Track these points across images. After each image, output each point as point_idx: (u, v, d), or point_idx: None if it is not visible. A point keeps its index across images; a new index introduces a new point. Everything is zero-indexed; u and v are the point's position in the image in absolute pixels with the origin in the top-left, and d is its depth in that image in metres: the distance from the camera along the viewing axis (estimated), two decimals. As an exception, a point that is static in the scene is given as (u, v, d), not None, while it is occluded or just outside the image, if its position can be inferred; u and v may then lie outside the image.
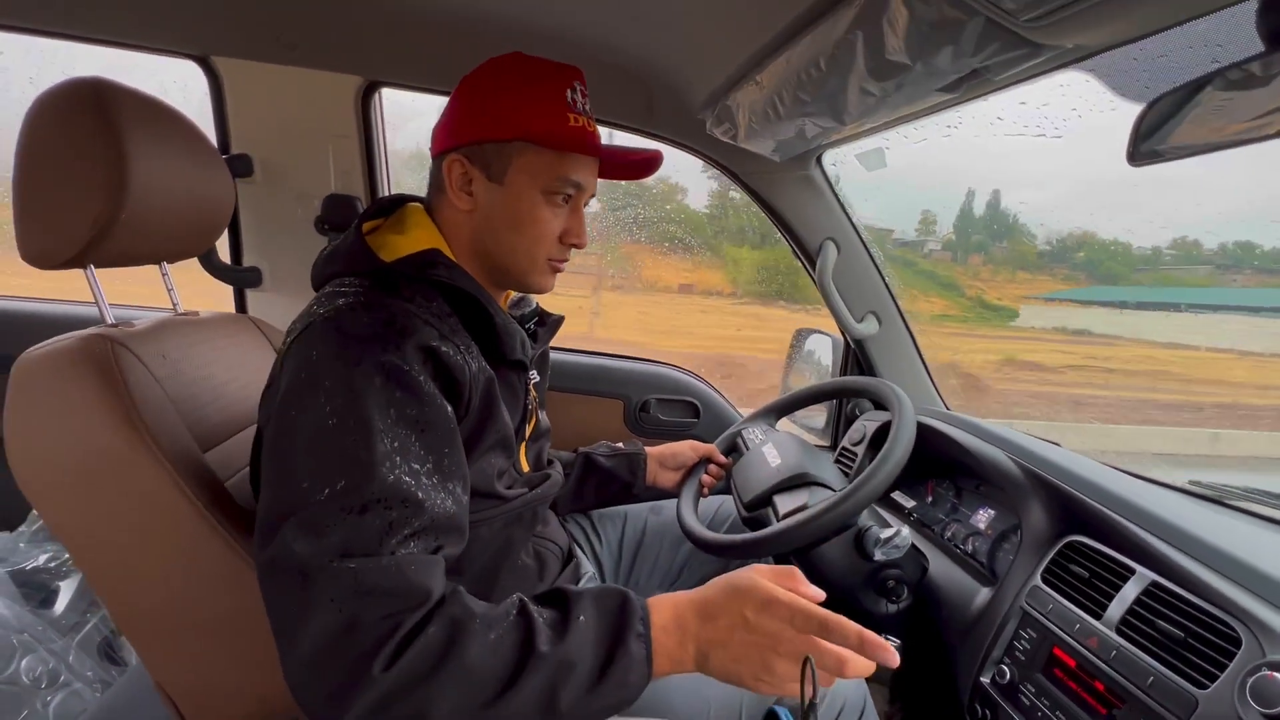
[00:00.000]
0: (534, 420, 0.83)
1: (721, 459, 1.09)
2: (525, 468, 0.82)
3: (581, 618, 0.54)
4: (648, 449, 1.10)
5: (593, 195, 0.76)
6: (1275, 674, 0.53)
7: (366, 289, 0.63)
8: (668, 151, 0.76)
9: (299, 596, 0.50)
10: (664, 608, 0.56)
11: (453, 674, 0.48)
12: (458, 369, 0.61)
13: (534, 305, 0.86)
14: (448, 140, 0.71)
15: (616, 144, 0.77)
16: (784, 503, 0.86)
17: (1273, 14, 0.50)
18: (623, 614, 0.55)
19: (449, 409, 0.60)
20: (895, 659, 0.53)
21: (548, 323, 0.87)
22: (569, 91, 0.70)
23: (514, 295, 0.86)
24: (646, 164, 0.79)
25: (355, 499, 0.52)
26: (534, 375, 0.87)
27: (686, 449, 1.10)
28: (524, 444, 0.82)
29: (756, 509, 0.91)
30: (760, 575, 0.57)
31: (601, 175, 0.77)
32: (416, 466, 0.55)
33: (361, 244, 0.68)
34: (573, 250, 0.76)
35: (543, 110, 0.68)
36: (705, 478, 1.08)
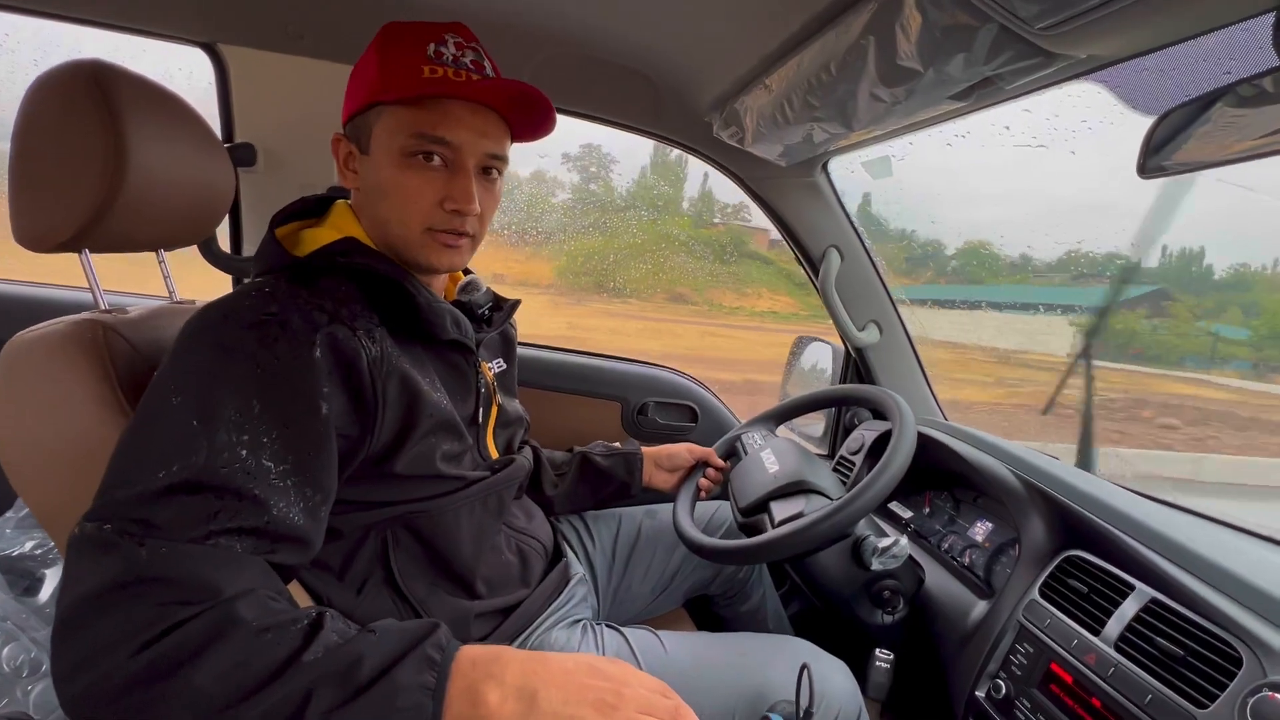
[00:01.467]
0: (495, 405, 0.81)
1: (719, 463, 1.09)
2: (494, 454, 0.80)
3: (374, 633, 0.49)
4: (645, 449, 1.09)
5: (491, 156, 0.69)
6: (1276, 695, 0.53)
7: (267, 281, 0.61)
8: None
9: (85, 563, 0.46)
10: (487, 647, 0.51)
11: (196, 673, 0.43)
12: (352, 354, 0.59)
13: (484, 290, 0.83)
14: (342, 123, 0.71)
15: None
16: (780, 509, 0.85)
17: (1290, 28, 0.49)
18: (420, 637, 0.49)
19: (326, 410, 0.56)
20: None
21: (504, 307, 0.85)
22: (432, 44, 0.66)
23: (462, 280, 0.82)
24: (534, 114, 0.70)
25: (180, 480, 0.49)
26: (499, 364, 0.86)
27: (684, 451, 1.09)
28: (490, 430, 0.80)
29: (752, 515, 0.90)
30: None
31: (516, 139, 0.72)
32: (269, 465, 0.52)
33: (272, 241, 0.67)
34: (462, 219, 0.68)
35: (394, 69, 0.65)
36: (703, 481, 1.07)
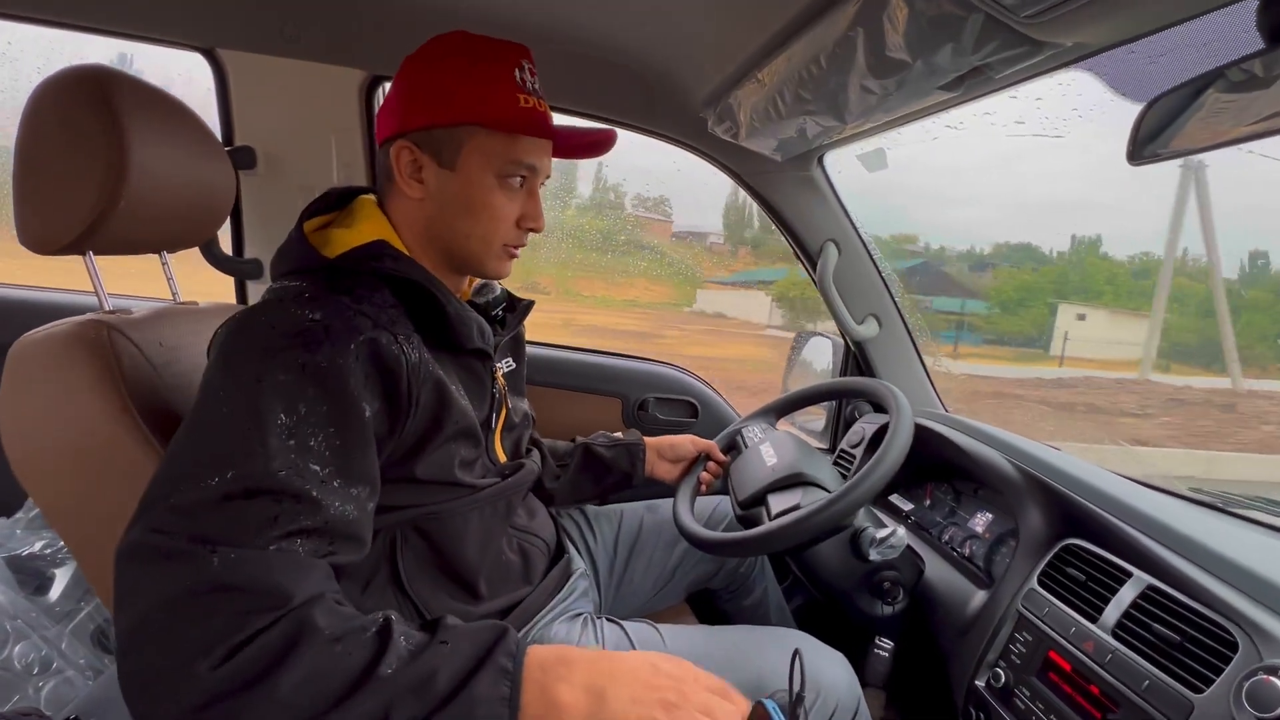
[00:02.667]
0: (505, 409, 0.82)
1: (720, 456, 1.09)
2: (502, 457, 0.81)
3: (446, 643, 0.49)
4: (647, 439, 1.08)
5: (547, 176, 0.74)
6: (1271, 678, 0.53)
7: (306, 286, 0.61)
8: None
9: (150, 571, 0.46)
10: (552, 648, 0.52)
11: (280, 684, 0.44)
12: (394, 361, 0.60)
13: (499, 291, 0.84)
14: (395, 126, 0.68)
15: (567, 124, 0.75)
16: (777, 502, 0.86)
17: (1273, 10, 0.50)
18: (490, 644, 0.50)
19: (367, 410, 0.57)
20: None
21: (517, 308, 0.86)
22: (517, 71, 0.68)
23: (478, 282, 0.84)
24: (599, 143, 0.77)
25: (239, 487, 0.49)
26: (508, 364, 0.86)
27: (687, 442, 1.09)
28: (498, 433, 0.81)
29: (751, 507, 0.91)
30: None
31: (555, 155, 0.75)
32: (317, 468, 0.53)
33: (302, 242, 0.67)
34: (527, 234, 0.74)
35: (493, 92, 0.66)
36: (704, 475, 1.08)
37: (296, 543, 0.50)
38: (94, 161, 0.66)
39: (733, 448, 1.09)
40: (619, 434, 1.11)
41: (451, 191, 0.69)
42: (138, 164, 0.68)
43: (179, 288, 0.90)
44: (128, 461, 0.65)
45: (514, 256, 0.74)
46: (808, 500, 0.83)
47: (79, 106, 0.66)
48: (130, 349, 0.68)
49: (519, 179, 0.70)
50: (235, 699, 0.43)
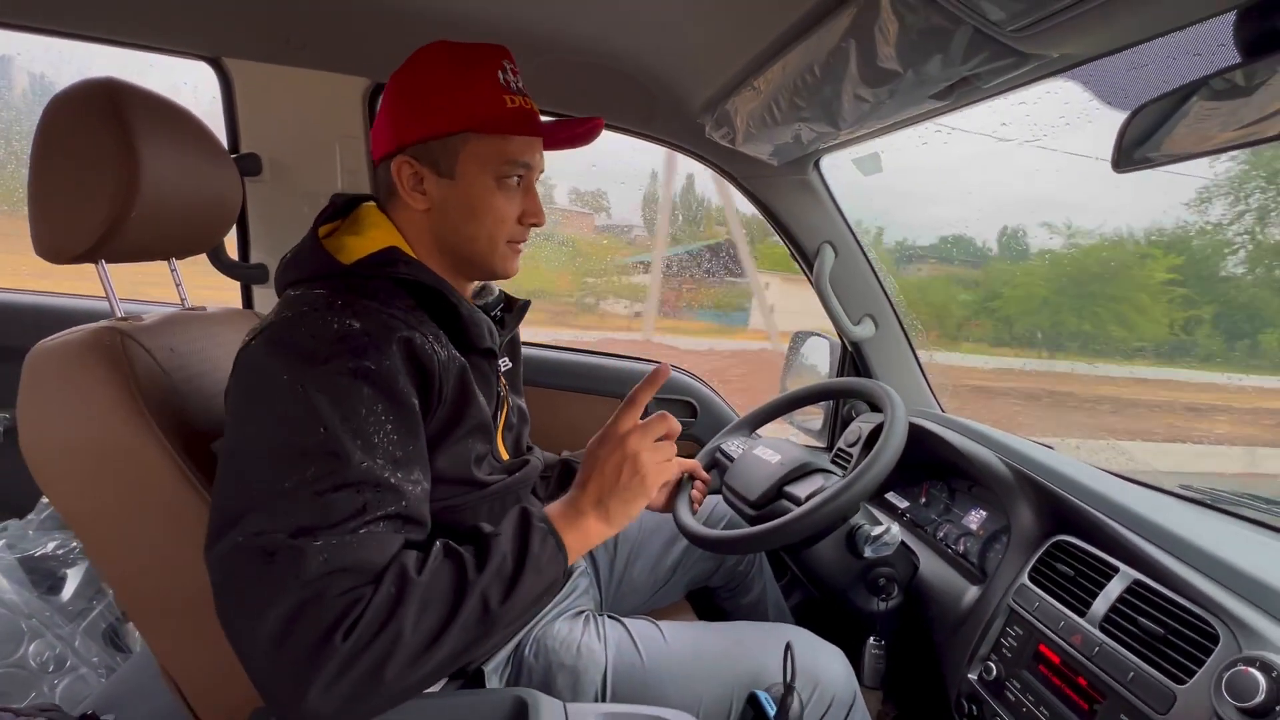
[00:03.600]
0: (506, 407, 0.84)
1: (704, 475, 1.05)
2: (504, 455, 0.82)
3: (497, 535, 0.61)
4: None
5: (541, 171, 0.76)
6: (1250, 669, 0.55)
7: (329, 292, 0.63)
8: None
9: (262, 577, 0.51)
10: (556, 502, 0.68)
11: (403, 626, 0.52)
12: (428, 358, 0.62)
13: (497, 292, 0.86)
14: (391, 143, 0.70)
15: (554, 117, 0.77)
16: (800, 489, 0.88)
17: (1248, 25, 0.51)
18: (524, 517, 0.64)
19: (416, 403, 0.61)
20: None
21: (514, 308, 0.87)
22: (500, 73, 0.70)
23: (477, 284, 0.85)
24: (586, 133, 0.79)
25: (327, 483, 0.54)
26: (505, 363, 0.87)
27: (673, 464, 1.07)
28: (500, 431, 0.82)
29: (768, 503, 0.92)
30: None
31: (546, 148, 0.77)
32: (384, 461, 0.57)
33: (319, 249, 0.68)
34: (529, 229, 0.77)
35: (480, 97, 0.68)
36: (694, 493, 1.03)
37: (381, 525, 0.56)
38: (106, 173, 0.68)
39: (714, 465, 1.10)
40: None
41: (454, 199, 0.71)
42: (149, 174, 0.69)
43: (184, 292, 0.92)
44: (142, 464, 0.67)
45: (519, 252, 0.77)
46: (829, 483, 0.85)
47: (92, 118, 0.68)
48: (143, 355, 0.70)
49: (516, 178, 0.72)
50: (371, 654, 0.51)
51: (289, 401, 0.55)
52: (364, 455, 0.56)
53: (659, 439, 0.69)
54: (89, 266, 0.75)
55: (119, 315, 0.76)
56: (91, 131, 0.68)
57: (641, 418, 0.70)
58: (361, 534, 0.54)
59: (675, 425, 0.71)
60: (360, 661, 0.50)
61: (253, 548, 0.52)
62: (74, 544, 1.11)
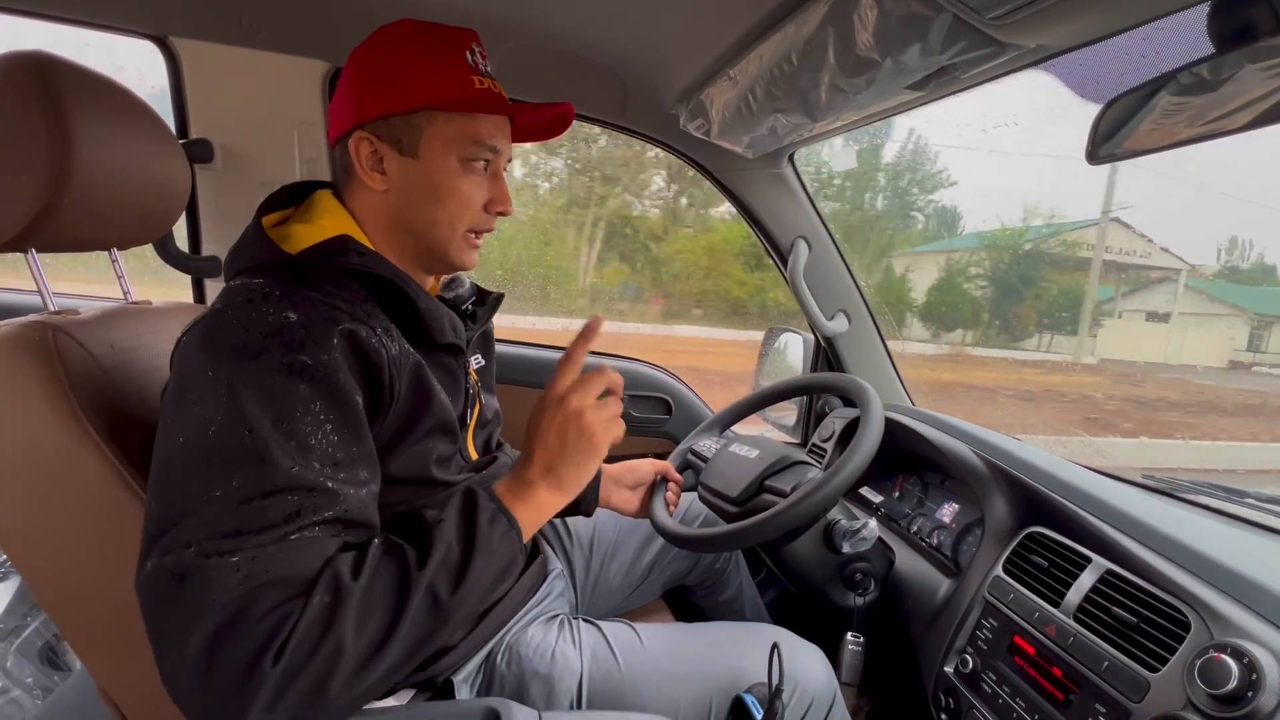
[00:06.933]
0: (478, 405, 0.81)
1: (677, 476, 1.05)
2: (474, 455, 0.79)
3: (442, 521, 0.57)
4: (604, 467, 1.02)
5: (510, 159, 0.73)
6: (1221, 655, 0.55)
7: (266, 282, 0.59)
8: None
9: (178, 602, 0.47)
10: (502, 479, 0.64)
11: (343, 640, 0.48)
12: (374, 353, 0.59)
13: (468, 285, 0.83)
14: (350, 119, 0.67)
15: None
16: (782, 482, 0.87)
17: (1222, 17, 0.52)
18: (469, 498, 0.59)
19: (360, 400, 0.57)
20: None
21: (487, 302, 0.84)
22: (468, 54, 0.67)
23: (445, 277, 0.82)
24: (558, 120, 0.77)
25: (254, 490, 0.50)
26: (478, 360, 0.85)
27: (646, 466, 1.04)
28: (471, 430, 0.79)
29: (750, 499, 0.91)
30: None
31: (515, 139, 0.75)
32: (318, 464, 0.53)
33: (262, 237, 0.65)
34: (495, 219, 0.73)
35: (446, 74, 0.65)
36: (669, 496, 1.03)
37: (316, 530, 0.52)
38: (35, 154, 0.62)
39: (687, 467, 1.09)
40: None
41: (416, 180, 0.67)
42: (84, 156, 0.64)
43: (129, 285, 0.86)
44: (76, 471, 0.62)
45: (476, 245, 0.73)
46: (809, 477, 0.84)
47: (17, 94, 0.62)
48: (78, 352, 0.65)
49: (483, 162, 0.68)
50: (309, 673, 0.47)
51: (214, 402, 0.51)
52: (296, 458, 0.51)
53: (602, 396, 0.64)
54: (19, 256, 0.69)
55: (52, 309, 0.71)
56: (17, 108, 0.62)
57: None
58: (292, 540, 0.50)
59: (616, 378, 0.65)
60: (297, 682, 0.46)
61: (165, 570, 0.47)
62: (4, 557, 1.03)
